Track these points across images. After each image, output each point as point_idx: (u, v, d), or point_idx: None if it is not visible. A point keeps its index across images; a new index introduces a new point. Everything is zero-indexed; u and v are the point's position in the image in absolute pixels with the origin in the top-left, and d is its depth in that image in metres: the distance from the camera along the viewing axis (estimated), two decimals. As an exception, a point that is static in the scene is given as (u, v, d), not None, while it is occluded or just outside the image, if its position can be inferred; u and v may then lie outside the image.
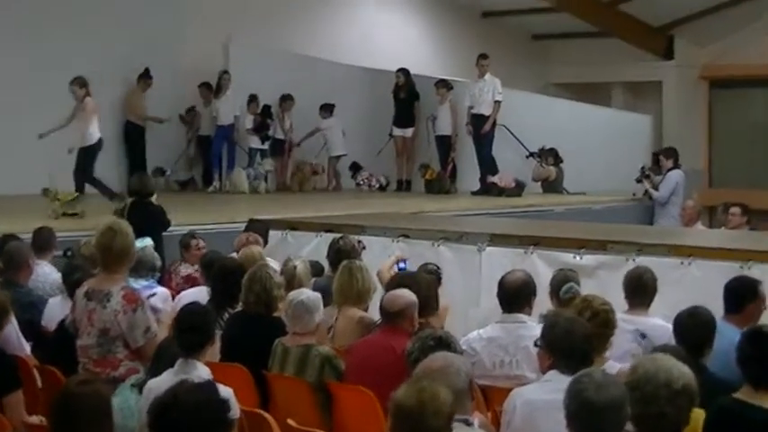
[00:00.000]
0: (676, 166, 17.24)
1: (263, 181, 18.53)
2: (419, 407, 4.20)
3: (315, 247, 11.39)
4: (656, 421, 4.48)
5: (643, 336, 7.19)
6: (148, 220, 10.78)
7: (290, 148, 19.39)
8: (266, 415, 6.03)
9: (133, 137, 18.01)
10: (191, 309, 6.58)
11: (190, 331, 6.06)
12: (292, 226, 12.31)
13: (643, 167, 18.24)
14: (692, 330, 6.33)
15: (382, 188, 19.48)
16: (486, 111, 17.84)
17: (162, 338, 6.65)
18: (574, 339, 5.43)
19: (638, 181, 17.92)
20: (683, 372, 4.58)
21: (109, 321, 6.57)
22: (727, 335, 6.41)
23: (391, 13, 22.46)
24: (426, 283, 7.54)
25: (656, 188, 17.29)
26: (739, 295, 7.45)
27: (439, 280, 8.42)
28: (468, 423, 4.65)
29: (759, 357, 5.37)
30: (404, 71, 19.10)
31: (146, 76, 17.87)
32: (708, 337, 6.33)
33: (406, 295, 6.95)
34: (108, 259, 6.72)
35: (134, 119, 17.92)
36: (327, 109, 19.14)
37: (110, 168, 16.56)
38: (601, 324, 6.21)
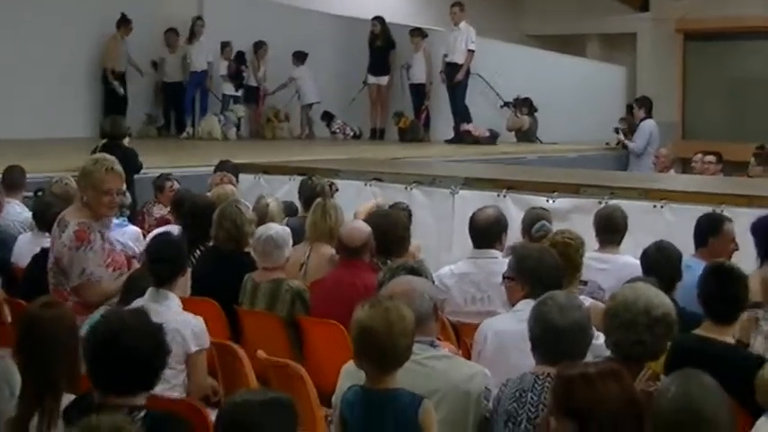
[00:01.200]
0: (649, 116, 17.22)
1: (235, 127, 18.42)
2: (386, 327, 4.17)
3: (288, 191, 11.30)
4: (634, 348, 4.48)
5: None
6: (121, 162, 10.66)
7: (263, 96, 19.27)
8: (236, 347, 5.99)
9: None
10: (161, 239, 6.53)
11: (160, 261, 6.00)
12: (265, 170, 12.22)
13: (623, 118, 18.30)
14: (662, 264, 6.34)
15: (356, 136, 19.41)
16: (460, 59, 17.75)
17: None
18: (546, 267, 5.43)
19: (616, 131, 17.92)
20: (662, 300, 4.58)
21: (59, 252, 6.52)
22: (695, 269, 6.43)
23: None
24: (401, 220, 7.50)
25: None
26: (703, 229, 7.53)
27: (409, 218, 8.36)
28: (432, 345, 4.63)
29: (719, 292, 5.38)
30: (380, 19, 18.99)
31: (124, 22, 17.69)
32: (676, 271, 6.35)
33: (364, 228, 6.93)
34: (82, 188, 6.64)
35: (114, 65, 17.74)
36: (300, 57, 19.00)
37: (91, 113, 16.63)
38: (571, 256, 6.20)
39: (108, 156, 6.94)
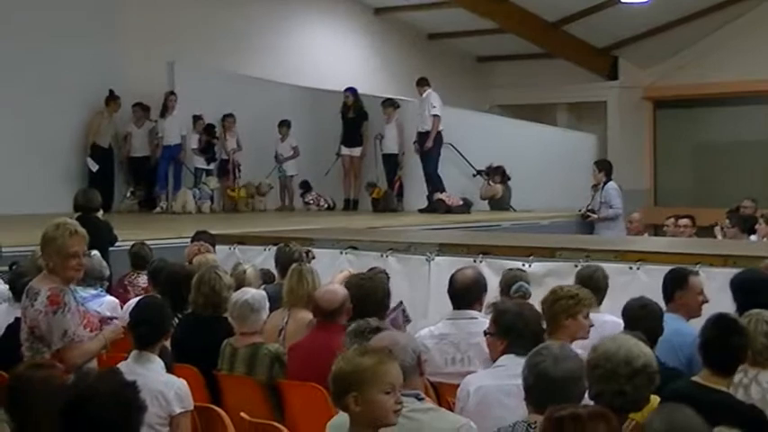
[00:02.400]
0: (609, 178, 17.06)
1: (210, 200, 18.44)
2: None
3: (263, 260, 11.27)
4: (615, 398, 4.49)
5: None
6: (94, 234, 10.62)
7: (235, 169, 19.25)
8: (219, 410, 5.98)
9: (102, 159, 17.89)
10: (145, 302, 6.53)
11: (144, 324, 6.00)
12: (240, 240, 12.23)
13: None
14: (644, 319, 6.36)
15: (330, 208, 19.47)
16: (427, 126, 17.94)
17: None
18: (526, 320, 5.46)
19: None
20: (643, 351, 4.61)
21: (34, 320, 6.46)
22: (668, 323, 6.51)
23: (337, 35, 22.62)
24: (382, 285, 7.50)
25: (593, 209, 17.02)
26: (669, 284, 7.63)
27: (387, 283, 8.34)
28: (418, 398, 4.62)
29: (721, 341, 5.43)
30: (352, 90, 19.14)
31: (113, 99, 17.77)
32: (659, 326, 6.37)
33: (339, 291, 6.94)
34: (46, 255, 6.59)
35: (98, 141, 17.78)
36: (286, 125, 19.32)
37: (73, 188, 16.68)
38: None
39: (68, 219, 6.89)
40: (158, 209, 18.32)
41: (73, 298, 6.60)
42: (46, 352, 6.46)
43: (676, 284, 7.61)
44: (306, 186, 19.59)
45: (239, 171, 19.22)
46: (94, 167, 17.52)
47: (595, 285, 7.71)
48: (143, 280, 10.41)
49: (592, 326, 6.33)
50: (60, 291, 6.47)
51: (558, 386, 4.37)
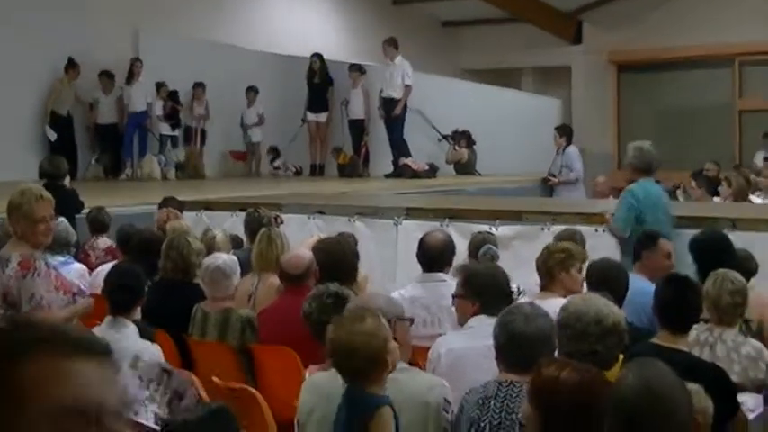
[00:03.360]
0: (570, 143, 17.10)
1: (174, 168, 18.41)
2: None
3: (231, 225, 11.24)
4: (586, 358, 4.47)
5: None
6: (61, 202, 10.56)
7: (202, 136, 19.23)
8: (190, 374, 5.99)
9: (61, 126, 17.76)
10: (120, 268, 6.53)
11: (119, 290, 6.04)
12: (207, 206, 12.22)
13: None
14: (610, 278, 6.41)
15: (297, 173, 19.49)
16: (397, 94, 17.90)
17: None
18: (499, 281, 5.50)
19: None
20: (612, 310, 4.64)
21: (6, 286, 6.45)
22: (634, 284, 6.58)
23: (303, 0, 22.51)
24: (350, 248, 7.53)
25: (553, 173, 16.99)
26: (637, 243, 7.79)
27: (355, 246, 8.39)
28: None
29: (676, 301, 5.49)
30: (319, 56, 19.14)
31: (72, 66, 17.65)
32: (624, 286, 6.43)
33: (305, 255, 6.97)
34: (14, 222, 6.58)
35: (57, 108, 17.67)
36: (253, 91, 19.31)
37: (36, 156, 16.54)
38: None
39: (33, 185, 6.87)
40: (124, 176, 18.26)
41: (44, 263, 6.60)
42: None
43: (645, 245, 7.71)
44: (275, 152, 19.64)
45: (205, 138, 19.18)
46: (53, 136, 17.42)
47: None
48: (102, 242, 10.39)
49: (584, 279, 6.42)
50: (30, 256, 6.47)
51: (530, 344, 4.40)
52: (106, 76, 18.40)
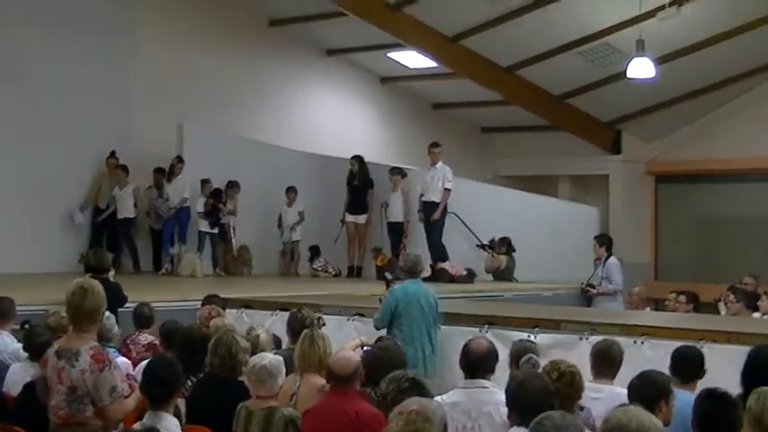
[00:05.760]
0: (610, 253, 17.05)
1: (212, 265, 18.60)
2: None
3: (271, 325, 11.39)
4: None
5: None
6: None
7: (231, 232, 19.35)
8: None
9: (106, 221, 18.06)
10: (158, 360, 6.63)
11: (157, 383, 6.13)
12: (247, 304, 12.37)
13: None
14: (644, 390, 6.43)
15: (336, 275, 19.55)
16: (437, 198, 18.03)
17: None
18: (529, 391, 5.54)
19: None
20: (653, 422, 4.64)
21: (77, 380, 6.58)
22: (680, 398, 6.59)
23: (345, 103, 22.87)
24: (399, 355, 7.66)
25: (591, 284, 16.85)
26: (691, 364, 7.72)
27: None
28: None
29: (716, 417, 5.52)
30: (358, 158, 19.32)
31: (112, 159, 18.01)
32: (661, 396, 6.43)
33: (353, 357, 7.13)
34: (78, 318, 6.73)
35: (100, 203, 17.93)
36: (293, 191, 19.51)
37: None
38: (567, 384, 6.32)
39: (83, 282, 7.03)
40: (163, 270, 18.43)
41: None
42: (88, 409, 6.58)
43: (700, 369, 7.72)
44: (315, 252, 19.69)
45: (235, 234, 19.27)
46: (78, 219, 17.72)
47: (611, 359, 7.82)
48: (144, 338, 10.54)
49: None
50: (101, 349, 6.66)
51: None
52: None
